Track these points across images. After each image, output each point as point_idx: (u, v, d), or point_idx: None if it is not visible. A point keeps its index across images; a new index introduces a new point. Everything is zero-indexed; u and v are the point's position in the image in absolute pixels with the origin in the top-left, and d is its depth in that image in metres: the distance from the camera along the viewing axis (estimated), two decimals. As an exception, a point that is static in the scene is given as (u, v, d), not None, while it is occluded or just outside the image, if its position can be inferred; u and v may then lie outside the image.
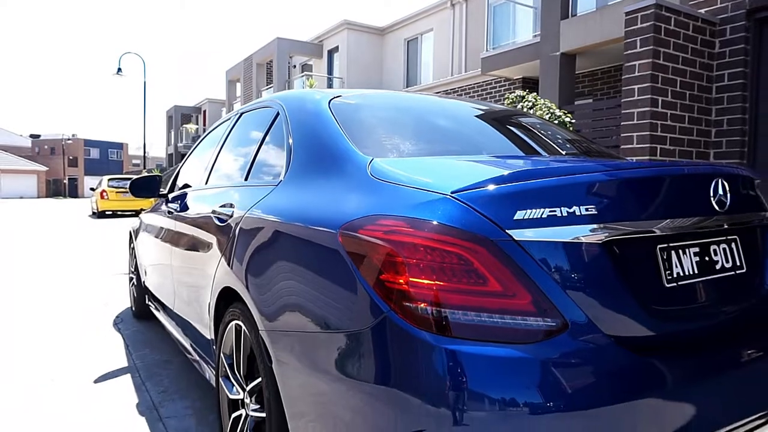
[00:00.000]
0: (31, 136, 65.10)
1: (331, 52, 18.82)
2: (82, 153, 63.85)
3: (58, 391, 2.67)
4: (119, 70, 21.39)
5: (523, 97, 7.00)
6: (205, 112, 31.90)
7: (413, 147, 1.76)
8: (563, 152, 2.02)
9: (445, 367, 1.02)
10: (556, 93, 8.37)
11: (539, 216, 1.11)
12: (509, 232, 1.09)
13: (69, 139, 62.29)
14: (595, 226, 1.15)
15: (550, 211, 1.12)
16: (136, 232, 3.99)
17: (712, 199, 1.32)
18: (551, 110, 6.63)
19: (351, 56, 17.50)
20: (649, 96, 4.03)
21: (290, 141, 1.84)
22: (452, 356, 1.02)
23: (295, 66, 19.93)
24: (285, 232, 1.50)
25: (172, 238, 2.71)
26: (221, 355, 1.91)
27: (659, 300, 1.21)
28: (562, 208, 1.13)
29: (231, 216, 1.89)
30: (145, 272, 3.66)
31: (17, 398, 2.58)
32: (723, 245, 1.39)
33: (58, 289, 5.27)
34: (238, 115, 2.65)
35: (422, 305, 1.07)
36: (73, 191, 61.94)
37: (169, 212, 2.89)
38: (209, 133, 3.13)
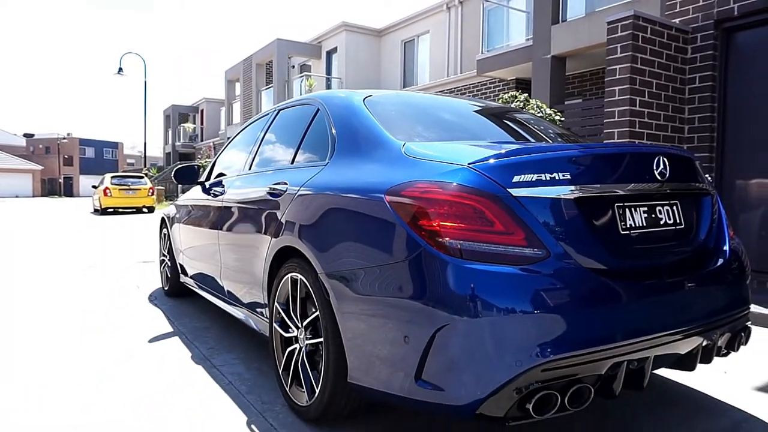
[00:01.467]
0: (25, 135, 65.10)
1: (329, 53, 19.29)
2: (77, 152, 63.95)
3: (122, 346, 3.14)
4: (120, 69, 21.78)
5: (516, 97, 7.51)
6: (202, 111, 32.24)
7: (432, 134, 2.25)
8: (550, 140, 2.51)
9: (465, 279, 1.49)
10: (548, 93, 8.89)
11: (531, 179, 1.59)
12: (509, 190, 1.57)
13: (64, 138, 62.32)
14: (571, 187, 1.63)
15: (538, 177, 1.60)
16: (171, 218, 4.44)
17: (654, 171, 1.81)
18: (542, 110, 7.14)
19: (349, 57, 17.99)
20: (628, 96, 4.53)
21: (333, 131, 2.31)
22: (470, 272, 1.50)
23: (293, 66, 20.38)
24: (338, 198, 1.97)
25: (219, 217, 3.17)
26: (275, 305, 2.38)
27: (615, 242, 1.70)
28: (547, 174, 1.61)
29: (285, 191, 2.36)
30: (182, 253, 4.12)
31: (96, 354, 3.04)
32: (666, 207, 1.88)
33: (89, 277, 5.72)
34: (275, 112, 3.12)
35: (449, 239, 1.55)
36: (69, 190, 62.05)
37: (214, 195, 3.35)
38: (244, 129, 3.60)
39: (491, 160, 1.63)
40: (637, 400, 2.35)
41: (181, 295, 4.55)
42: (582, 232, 1.63)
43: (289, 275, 2.25)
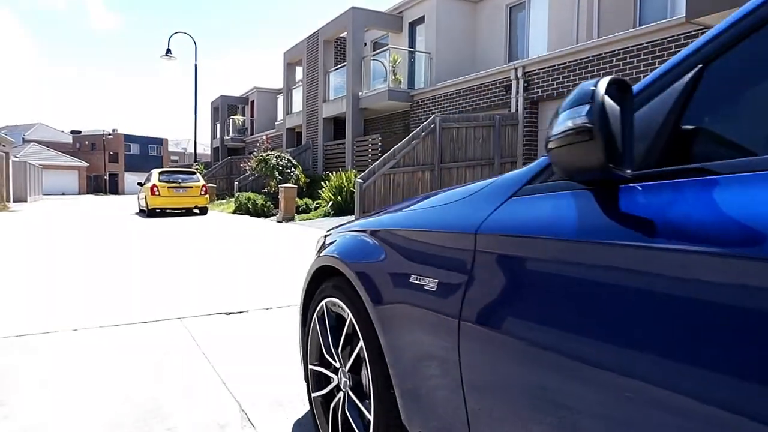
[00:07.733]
0: (72, 132, 64.76)
1: (413, 24, 16.18)
2: (122, 149, 63.07)
3: None
4: (168, 51, 19.29)
5: None
6: (253, 102, 29.79)
7: None
8: None
9: None
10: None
11: None
12: None
13: (109, 135, 61.62)
14: None
15: None
16: (374, 290, 1.41)
17: None
18: None
19: (440, 28, 14.84)
20: None
21: None
22: None
23: (365, 44, 17.35)
24: None
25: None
26: None
27: None
28: None
29: None
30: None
31: None
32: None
33: (116, 360, 2.73)
34: None
35: None
36: (114, 187, 61.18)
37: None
38: None
39: None
40: None
41: None
42: None
43: None
